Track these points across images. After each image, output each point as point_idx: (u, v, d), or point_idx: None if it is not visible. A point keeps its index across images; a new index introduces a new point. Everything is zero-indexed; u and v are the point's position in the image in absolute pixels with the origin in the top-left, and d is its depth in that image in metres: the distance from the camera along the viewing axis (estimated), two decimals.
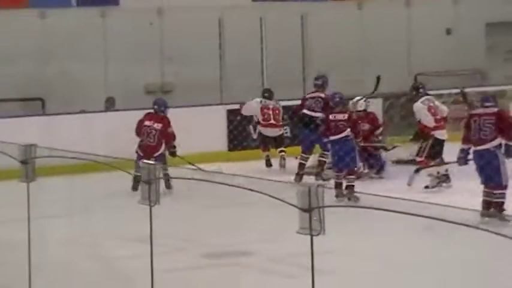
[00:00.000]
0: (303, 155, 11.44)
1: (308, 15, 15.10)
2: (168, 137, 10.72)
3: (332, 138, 10.26)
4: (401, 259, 7.25)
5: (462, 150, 8.92)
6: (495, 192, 8.55)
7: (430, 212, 6.50)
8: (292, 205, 5.72)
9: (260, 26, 14.54)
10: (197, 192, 8.00)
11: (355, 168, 10.32)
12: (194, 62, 14.59)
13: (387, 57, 14.72)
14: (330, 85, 12.96)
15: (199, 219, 9.08)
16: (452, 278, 6.74)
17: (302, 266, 5.96)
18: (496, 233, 4.85)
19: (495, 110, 8.81)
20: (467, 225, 5.23)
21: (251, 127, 13.30)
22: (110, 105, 13.79)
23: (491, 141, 8.58)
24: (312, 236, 5.64)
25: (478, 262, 7.01)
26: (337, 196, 9.57)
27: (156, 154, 10.39)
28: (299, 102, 12.57)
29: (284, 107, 13.25)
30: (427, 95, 10.75)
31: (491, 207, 8.45)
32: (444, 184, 10.32)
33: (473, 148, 8.74)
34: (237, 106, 13.02)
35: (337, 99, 10.48)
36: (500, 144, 8.61)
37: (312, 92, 12.00)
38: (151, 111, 10.95)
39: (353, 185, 10.06)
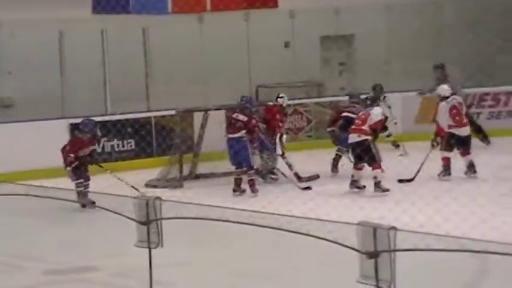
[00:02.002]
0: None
1: (150, 28, 15.16)
2: None
3: (229, 136, 11.00)
4: (243, 269, 7.38)
5: None
6: None
7: (269, 222, 6.76)
8: (131, 218, 5.81)
9: (101, 38, 14.49)
10: (33, 210, 7.94)
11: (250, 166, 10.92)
12: (35, 76, 14.33)
13: (228, 69, 14.97)
14: (173, 96, 13.25)
15: (39, 236, 8.97)
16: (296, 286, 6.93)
17: (144, 279, 6.05)
18: (321, 238, 5.15)
19: None
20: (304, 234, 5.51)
21: None
22: None
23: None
24: (150, 248, 5.75)
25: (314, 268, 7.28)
26: (234, 191, 10.74)
27: None
28: (143, 114, 12.79)
29: (127, 120, 13.33)
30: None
31: None
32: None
33: None
34: (79, 120, 12.90)
35: (243, 102, 11.31)
36: None
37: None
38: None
39: (253, 179, 10.84)
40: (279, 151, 11.59)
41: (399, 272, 4.54)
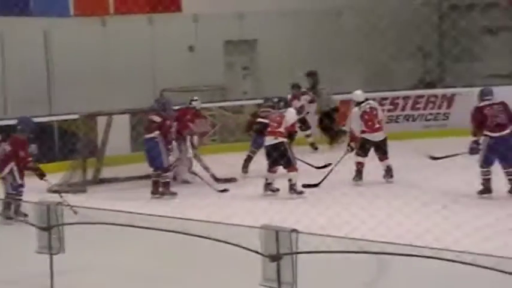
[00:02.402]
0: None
1: (51, 31, 14.93)
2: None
3: (144, 136, 11.18)
4: (147, 273, 7.32)
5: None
6: None
7: (175, 227, 6.79)
8: (32, 224, 5.76)
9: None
10: None
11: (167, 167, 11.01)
12: None
13: (132, 73, 14.89)
14: (76, 100, 13.12)
15: None
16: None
17: (45, 286, 5.99)
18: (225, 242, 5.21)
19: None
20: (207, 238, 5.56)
21: None
22: None
23: None
24: (51, 254, 5.70)
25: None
26: (152, 193, 10.81)
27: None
28: (44, 119, 12.59)
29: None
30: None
31: None
32: None
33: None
34: None
35: (159, 104, 11.56)
36: None
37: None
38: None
39: (168, 182, 10.92)
40: (190, 153, 11.70)
41: (301, 274, 4.65)
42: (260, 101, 14.55)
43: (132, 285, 7.05)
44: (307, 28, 16.04)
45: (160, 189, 10.91)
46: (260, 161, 12.19)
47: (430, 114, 15.55)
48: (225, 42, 16.80)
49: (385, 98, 15.84)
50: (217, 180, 11.52)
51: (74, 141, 12.59)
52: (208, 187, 11.07)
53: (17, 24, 14.12)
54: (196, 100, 12.29)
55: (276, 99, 11.89)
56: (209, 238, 5.40)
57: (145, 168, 12.40)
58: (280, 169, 10.66)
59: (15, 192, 9.81)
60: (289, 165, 10.51)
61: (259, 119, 12.06)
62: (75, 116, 12.59)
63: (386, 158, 11.08)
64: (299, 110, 12.96)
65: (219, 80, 16.49)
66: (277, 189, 10.64)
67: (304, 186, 10.71)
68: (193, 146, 11.80)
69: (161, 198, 10.80)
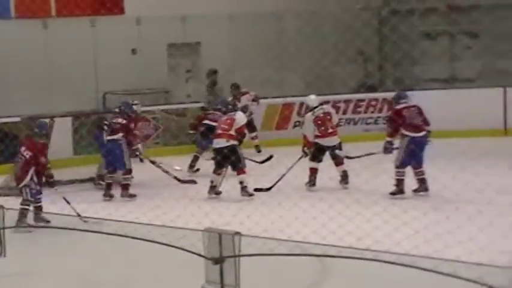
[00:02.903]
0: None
1: None
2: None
3: (107, 138, 11.19)
4: (91, 277, 7.28)
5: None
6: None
7: (115, 230, 6.79)
8: None
9: None
10: None
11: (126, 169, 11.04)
12: None
13: (74, 76, 14.78)
14: (17, 103, 12.99)
15: None
16: None
17: None
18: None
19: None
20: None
21: None
22: None
23: None
24: None
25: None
26: (104, 195, 10.91)
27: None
28: None
29: None
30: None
31: None
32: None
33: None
34: None
35: (124, 106, 11.61)
36: None
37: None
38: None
39: (128, 184, 10.97)
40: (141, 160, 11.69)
41: (244, 276, 4.71)
42: (202, 104, 14.65)
43: None
44: (249, 31, 16.15)
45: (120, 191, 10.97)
46: (201, 164, 12.27)
47: (371, 118, 15.76)
48: (168, 45, 16.80)
49: (327, 102, 16.00)
50: (179, 181, 11.57)
51: (16, 144, 12.43)
52: (151, 189, 11.13)
53: None
54: (136, 104, 12.28)
55: (219, 104, 11.99)
56: (153, 241, 5.43)
57: (87, 171, 12.38)
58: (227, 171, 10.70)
59: (33, 199, 9.52)
60: (240, 167, 10.56)
61: (207, 121, 12.13)
62: (17, 119, 12.45)
63: (342, 163, 11.03)
64: (243, 111, 13.06)
65: (162, 82, 16.48)
66: (220, 192, 10.68)
67: (256, 190, 10.74)
68: (139, 153, 11.79)
69: (110, 200, 10.84)
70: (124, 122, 11.25)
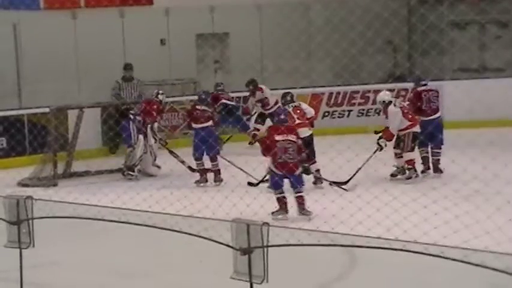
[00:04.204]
0: None
1: (21, 24, 14.83)
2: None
3: (198, 125, 11.43)
4: (117, 268, 7.32)
5: None
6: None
7: (146, 220, 6.81)
8: (1, 219, 5.74)
9: None
10: None
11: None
12: None
13: (103, 66, 14.84)
14: (46, 94, 13.10)
15: None
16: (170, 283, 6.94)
17: (14, 281, 5.99)
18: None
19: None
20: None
21: None
22: None
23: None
24: (20, 249, 5.69)
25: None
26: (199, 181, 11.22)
27: None
28: (14, 112, 12.64)
29: None
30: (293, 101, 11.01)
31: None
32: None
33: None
34: None
35: (202, 95, 11.90)
36: None
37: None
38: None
39: (219, 169, 11.23)
40: (151, 140, 11.80)
41: (272, 267, 4.70)
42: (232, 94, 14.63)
43: (102, 279, 7.02)
44: (278, 21, 16.09)
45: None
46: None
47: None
48: (197, 36, 16.81)
49: (356, 92, 15.97)
50: (193, 171, 11.52)
51: (44, 134, 12.54)
52: (178, 179, 11.18)
53: None
54: (162, 94, 12.43)
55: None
56: (181, 232, 5.43)
57: (116, 161, 12.45)
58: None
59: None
60: (313, 157, 10.38)
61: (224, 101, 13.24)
62: (46, 110, 12.54)
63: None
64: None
65: (190, 73, 16.51)
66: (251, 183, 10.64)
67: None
68: (154, 133, 11.96)
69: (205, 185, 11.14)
70: (210, 109, 11.59)
